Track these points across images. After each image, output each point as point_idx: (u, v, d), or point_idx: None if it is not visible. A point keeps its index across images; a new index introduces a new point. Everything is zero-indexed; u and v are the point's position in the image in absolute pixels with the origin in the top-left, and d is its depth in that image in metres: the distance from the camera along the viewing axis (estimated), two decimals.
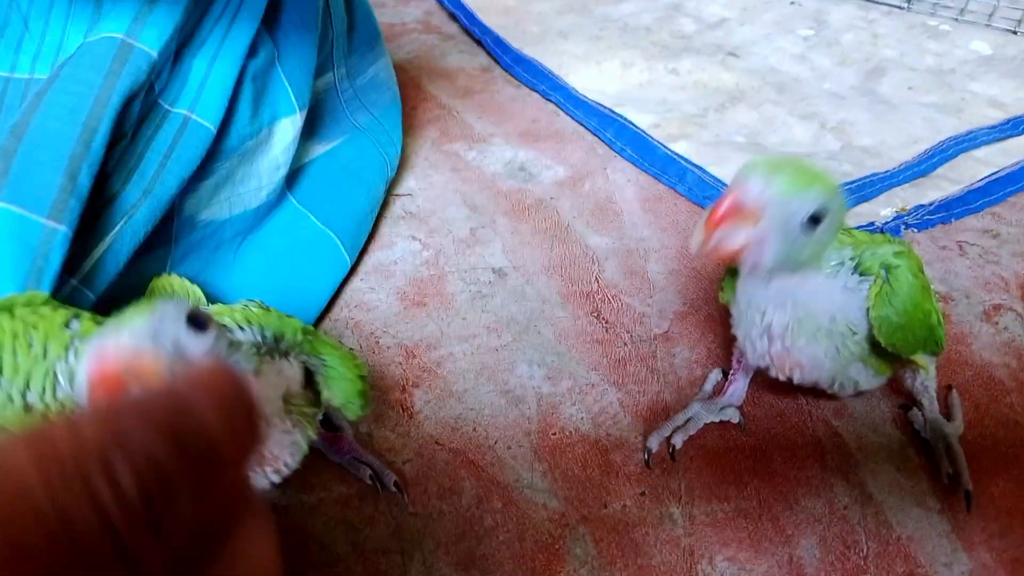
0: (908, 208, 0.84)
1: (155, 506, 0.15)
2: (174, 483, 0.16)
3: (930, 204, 0.84)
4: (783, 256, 0.50)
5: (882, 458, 0.62)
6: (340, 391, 0.50)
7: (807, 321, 0.54)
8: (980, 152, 0.92)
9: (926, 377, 0.61)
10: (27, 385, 0.40)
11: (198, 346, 0.36)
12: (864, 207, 0.84)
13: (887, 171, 0.87)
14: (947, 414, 0.63)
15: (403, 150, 0.92)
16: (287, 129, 0.69)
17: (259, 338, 0.46)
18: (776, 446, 0.63)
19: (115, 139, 0.54)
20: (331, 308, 0.75)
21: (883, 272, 0.53)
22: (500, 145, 0.96)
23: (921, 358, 0.57)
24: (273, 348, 0.46)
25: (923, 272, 0.56)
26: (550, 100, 1.03)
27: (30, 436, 0.15)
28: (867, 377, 0.57)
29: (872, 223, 0.82)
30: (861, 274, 0.53)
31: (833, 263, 0.53)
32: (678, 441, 0.62)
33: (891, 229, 0.81)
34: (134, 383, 0.32)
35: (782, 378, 0.58)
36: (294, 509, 0.59)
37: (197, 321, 0.37)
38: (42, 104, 0.52)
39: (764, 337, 0.56)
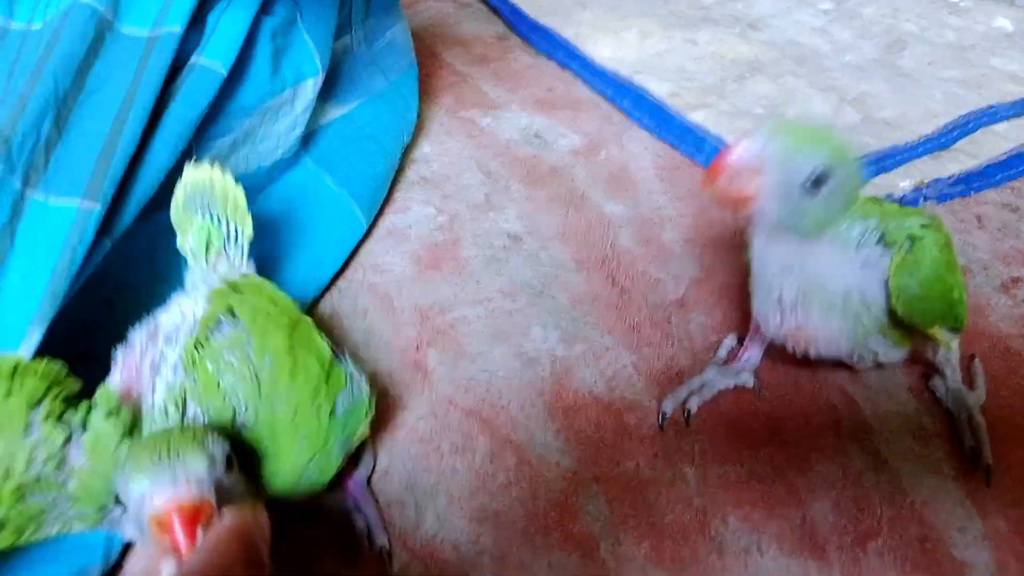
0: (927, 181, 0.83)
1: None
2: None
3: (949, 177, 0.84)
4: (785, 217, 0.50)
5: (897, 425, 0.61)
6: (274, 481, 0.48)
7: (818, 292, 0.53)
8: (1000, 127, 0.91)
9: (948, 349, 0.60)
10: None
11: (228, 480, 0.41)
12: (883, 179, 0.83)
13: (907, 144, 0.87)
14: (969, 383, 0.63)
15: (418, 116, 0.92)
16: (309, 89, 0.69)
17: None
18: (791, 412, 0.62)
19: None
20: (346, 269, 0.75)
21: (907, 242, 0.52)
22: (516, 112, 0.96)
23: (940, 332, 0.56)
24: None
25: (950, 248, 0.55)
26: (567, 68, 1.02)
27: None
28: (886, 349, 0.57)
29: (891, 195, 0.81)
30: (885, 245, 0.53)
31: (855, 233, 0.53)
32: (693, 405, 0.62)
33: (909, 201, 0.80)
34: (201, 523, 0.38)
35: (799, 354, 0.57)
36: None
37: (230, 461, 0.42)
38: (80, 100, 0.53)
39: (777, 312, 0.56)
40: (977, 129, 0.90)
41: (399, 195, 0.84)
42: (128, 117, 0.53)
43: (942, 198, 0.82)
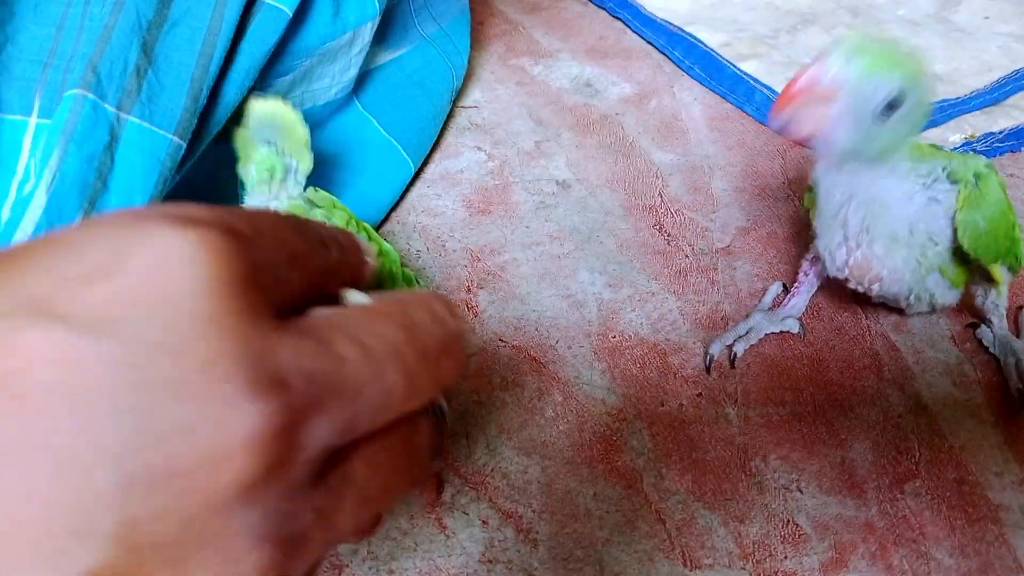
0: (977, 135, 0.83)
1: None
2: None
3: (1000, 132, 0.83)
4: (856, 142, 0.50)
5: (938, 372, 0.62)
6: None
7: (883, 222, 0.54)
8: None
9: (997, 296, 0.62)
10: None
11: None
12: (933, 132, 0.83)
13: (958, 97, 0.86)
14: (1016, 332, 0.64)
15: (470, 63, 0.93)
16: (367, 32, 0.70)
17: None
18: (834, 357, 0.64)
19: None
20: (399, 212, 0.77)
21: (974, 179, 0.54)
22: (566, 61, 0.97)
23: (999, 270, 0.58)
24: None
25: (1005, 189, 0.57)
26: (618, 17, 1.02)
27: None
28: (943, 290, 0.58)
29: (941, 147, 0.81)
30: (952, 181, 0.54)
31: (923, 170, 0.54)
32: (739, 349, 0.64)
33: None
34: None
35: (861, 290, 0.59)
36: None
37: None
38: (164, 31, 0.55)
39: (843, 245, 0.57)
40: None
41: (450, 140, 0.86)
42: (213, 52, 0.55)
43: (992, 152, 0.82)
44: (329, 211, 0.56)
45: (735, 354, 0.63)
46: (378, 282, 0.56)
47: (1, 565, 0.16)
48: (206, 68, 0.55)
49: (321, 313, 0.21)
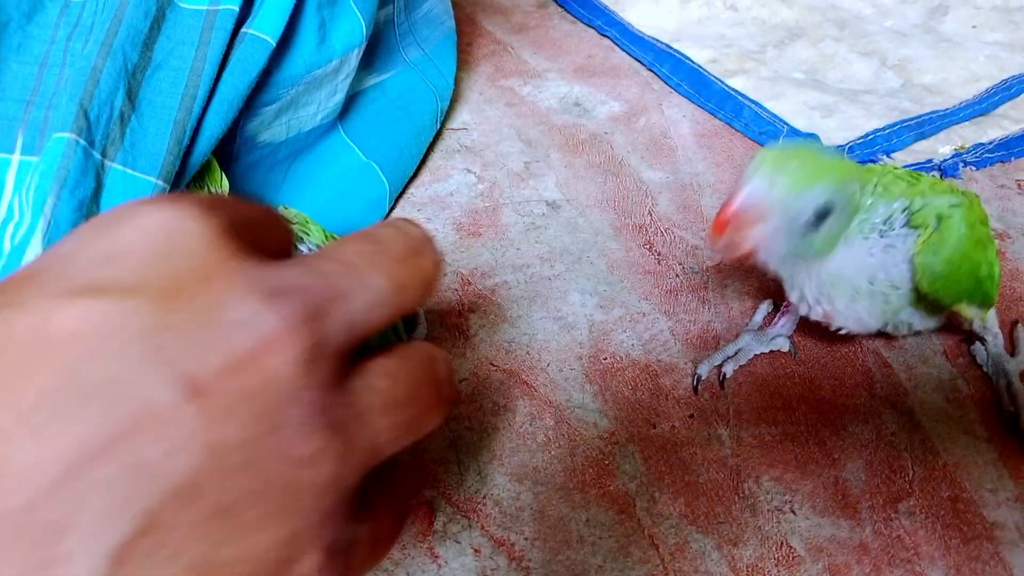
0: (967, 146, 0.83)
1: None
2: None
3: (990, 142, 0.83)
4: (793, 251, 0.51)
5: (931, 388, 0.62)
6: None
7: (841, 286, 0.55)
8: None
9: (983, 321, 0.61)
10: None
11: None
12: (923, 144, 0.83)
13: (947, 108, 0.86)
14: (1011, 349, 0.63)
15: (458, 85, 0.93)
16: (353, 58, 0.71)
17: None
18: (825, 374, 0.64)
19: None
20: None
21: (935, 221, 0.53)
22: (555, 80, 0.97)
23: (966, 309, 0.57)
24: None
25: (985, 224, 0.56)
26: (605, 36, 1.03)
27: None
28: (920, 319, 0.58)
29: (930, 160, 0.81)
30: (911, 227, 0.53)
31: (878, 219, 0.53)
32: (729, 369, 0.63)
33: (949, 167, 0.80)
34: None
35: (836, 329, 0.59)
36: None
37: None
38: (147, 74, 0.55)
39: (805, 304, 0.57)
40: (1020, 93, 0.89)
41: (440, 163, 0.86)
42: (196, 93, 0.55)
43: (982, 163, 0.82)
44: (304, 227, 0.57)
45: (724, 375, 0.63)
46: None
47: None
48: (189, 110, 0.55)
49: (299, 254, 0.24)
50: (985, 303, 0.58)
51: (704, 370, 0.63)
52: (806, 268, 0.55)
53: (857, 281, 0.54)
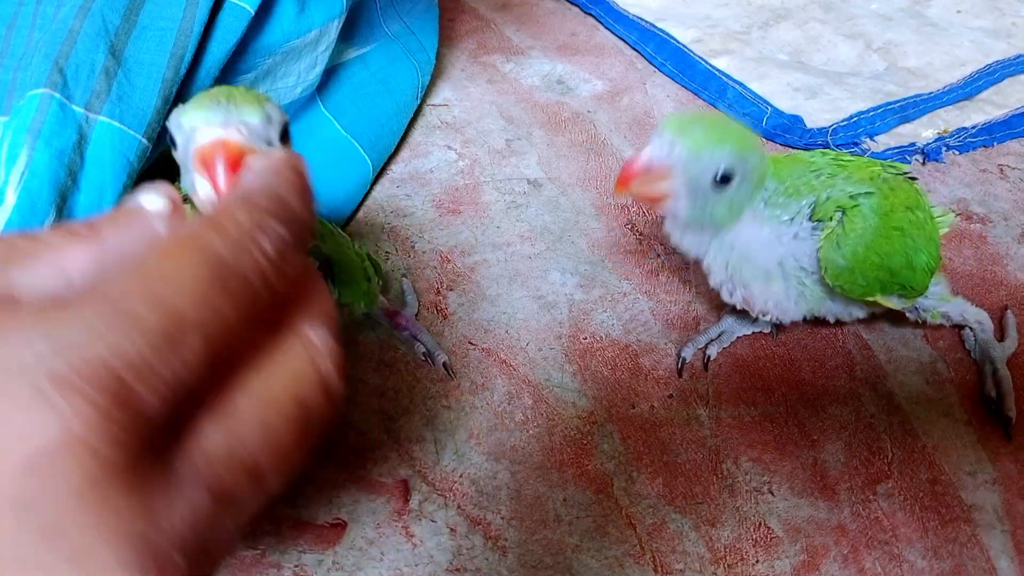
0: (950, 130, 0.83)
1: (284, 262, 0.23)
2: (289, 249, 0.23)
3: (972, 127, 0.83)
4: (698, 213, 0.51)
5: (911, 371, 0.62)
6: (347, 291, 0.55)
7: (748, 266, 0.54)
8: None
9: (926, 313, 0.60)
10: None
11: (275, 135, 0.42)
12: (906, 128, 0.83)
13: (931, 92, 0.86)
14: (1001, 335, 0.63)
15: (440, 61, 0.92)
16: (333, 30, 0.69)
17: None
18: (806, 356, 0.63)
19: None
20: (367, 213, 0.76)
21: (838, 214, 0.52)
22: (538, 58, 0.96)
23: (887, 300, 0.55)
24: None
25: (915, 209, 0.54)
26: (590, 14, 1.01)
27: (207, 223, 0.22)
28: (842, 308, 0.57)
29: (913, 143, 0.81)
30: (817, 221, 0.53)
31: (785, 215, 0.53)
32: (713, 352, 0.63)
33: (932, 150, 0.80)
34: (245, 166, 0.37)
35: (764, 319, 0.59)
36: None
37: (286, 134, 0.42)
38: (133, 36, 0.54)
39: (724, 288, 0.57)
40: (1004, 79, 0.89)
41: (420, 139, 0.85)
42: (184, 54, 0.54)
43: (965, 148, 0.81)
44: None
45: (708, 357, 0.63)
46: (336, 268, 0.55)
47: None
48: (177, 69, 0.54)
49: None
50: (908, 293, 0.56)
51: (688, 353, 0.63)
52: (717, 245, 0.54)
53: (767, 262, 0.54)
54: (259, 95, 0.42)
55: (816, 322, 0.65)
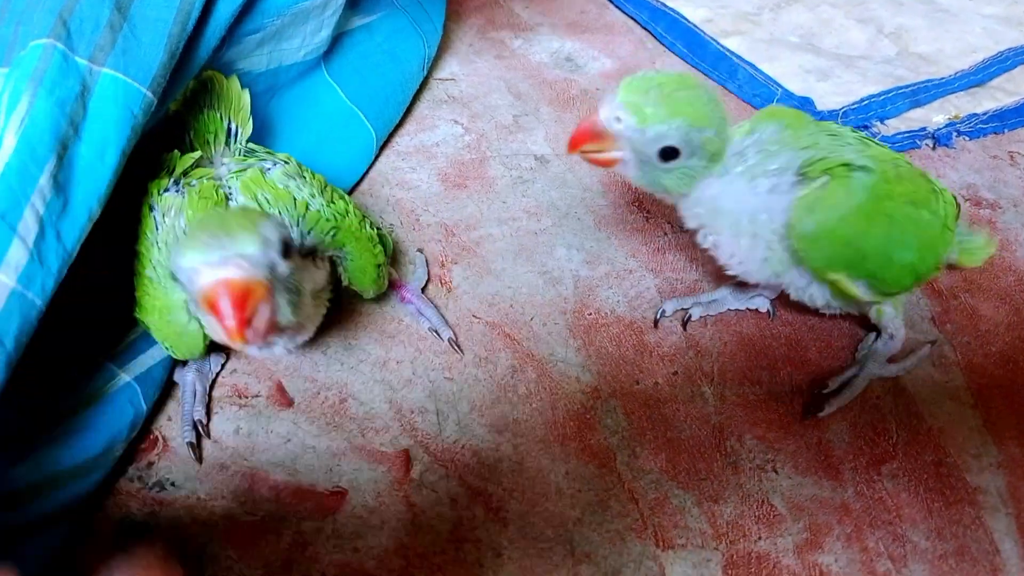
0: (961, 116, 0.82)
1: None
2: None
3: (983, 113, 0.82)
4: (648, 180, 0.51)
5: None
6: (357, 278, 0.56)
7: (721, 217, 0.52)
8: None
9: (879, 315, 0.57)
10: None
11: (284, 268, 0.43)
12: (917, 112, 0.82)
13: (942, 78, 0.85)
14: (901, 359, 0.60)
15: (447, 36, 0.91)
16: None
17: (297, 243, 0.50)
18: (812, 336, 0.63)
19: None
20: (372, 184, 0.75)
21: (825, 178, 0.50)
22: (547, 35, 0.95)
23: (848, 284, 0.52)
24: (308, 251, 0.51)
25: (918, 206, 0.51)
26: None
27: None
28: (814, 291, 0.55)
29: (924, 128, 0.80)
30: (802, 176, 0.50)
31: (772, 166, 0.50)
32: (696, 313, 0.63)
33: (943, 135, 0.79)
34: (251, 302, 0.39)
35: (730, 272, 0.56)
36: (334, 368, 0.60)
37: (287, 248, 0.43)
38: None
39: (699, 233, 0.55)
40: (1016, 66, 0.88)
41: (426, 112, 0.84)
42: (191, 10, 0.53)
43: (975, 134, 0.81)
44: (270, 154, 0.58)
45: (689, 317, 0.63)
46: (349, 258, 0.55)
47: None
48: (184, 25, 0.53)
49: None
50: (880, 287, 0.53)
51: (670, 307, 0.63)
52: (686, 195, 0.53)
53: (737, 215, 0.52)
54: (253, 216, 0.43)
55: None
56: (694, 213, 0.54)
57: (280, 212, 0.52)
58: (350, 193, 0.74)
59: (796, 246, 0.50)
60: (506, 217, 0.73)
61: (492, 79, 0.88)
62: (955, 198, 0.57)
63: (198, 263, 0.39)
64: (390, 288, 0.63)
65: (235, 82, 0.61)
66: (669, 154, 0.48)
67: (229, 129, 0.59)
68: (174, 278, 0.44)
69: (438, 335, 0.62)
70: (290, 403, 0.58)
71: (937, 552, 0.51)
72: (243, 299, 0.38)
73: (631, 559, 0.51)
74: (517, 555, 0.51)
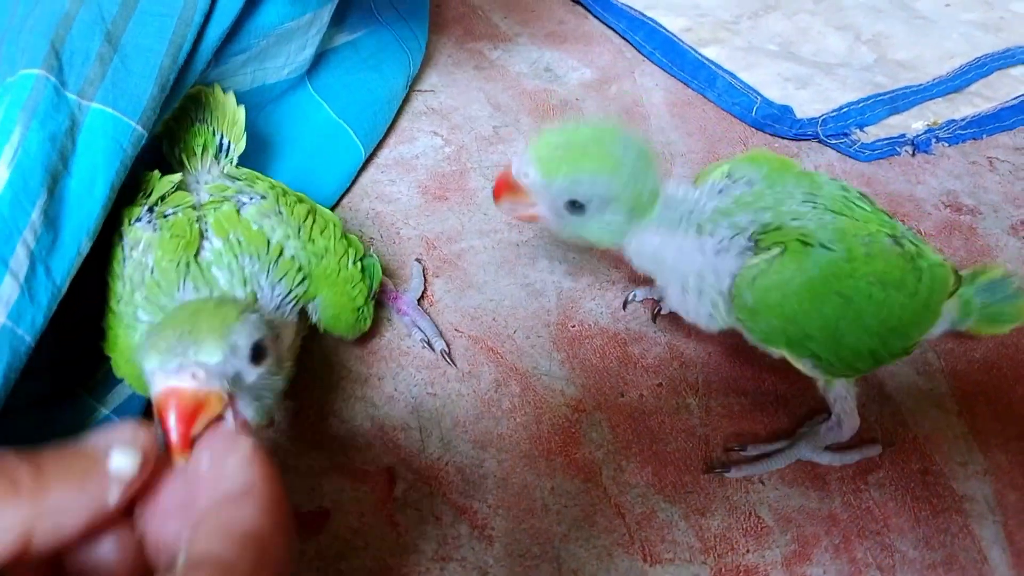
0: (940, 122, 0.82)
1: None
2: None
3: (962, 119, 0.83)
4: (571, 233, 0.50)
5: (901, 361, 0.61)
6: (331, 325, 0.55)
7: (665, 272, 0.51)
8: (1017, 70, 0.90)
9: (829, 386, 0.53)
10: None
11: (253, 374, 0.40)
12: (896, 119, 0.82)
13: (920, 84, 0.85)
14: (841, 448, 0.56)
15: (427, 47, 0.91)
16: (326, 13, 0.68)
17: (268, 296, 0.50)
18: None
19: None
20: (351, 198, 0.75)
21: (779, 249, 0.46)
22: (526, 45, 0.94)
23: (793, 358, 0.50)
24: (279, 307, 0.50)
25: (887, 288, 0.47)
26: (578, 2, 1.00)
27: None
28: (771, 349, 0.51)
29: (903, 135, 0.80)
30: (752, 242, 0.47)
31: (720, 233, 0.48)
32: (667, 308, 0.62)
33: (922, 142, 0.80)
34: (201, 417, 0.36)
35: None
36: (314, 387, 0.59)
37: (258, 353, 0.41)
38: (132, 21, 0.53)
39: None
40: (993, 72, 0.88)
41: (405, 125, 0.83)
42: (183, 42, 0.52)
43: (954, 140, 0.81)
44: (251, 182, 0.55)
45: (659, 310, 0.63)
46: (322, 305, 0.53)
47: None
48: (175, 57, 0.52)
49: None
50: (827, 369, 0.50)
51: (640, 294, 0.63)
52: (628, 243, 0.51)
53: (683, 271, 0.50)
54: (228, 314, 0.40)
55: None
56: (638, 263, 0.53)
57: (251, 258, 0.50)
58: (333, 208, 0.73)
59: (737, 315, 0.48)
60: (487, 229, 0.72)
61: (471, 90, 0.88)
62: (956, 272, 0.53)
63: (155, 365, 0.37)
64: (384, 299, 0.63)
65: (231, 97, 0.59)
66: (577, 207, 0.48)
67: (220, 144, 0.57)
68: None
69: (431, 347, 0.61)
70: (271, 423, 0.57)
71: (925, 561, 0.51)
72: (191, 414, 0.35)
73: (619, 575, 0.50)
74: (503, 573, 0.50)
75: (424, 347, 0.62)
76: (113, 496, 0.24)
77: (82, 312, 0.51)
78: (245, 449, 0.30)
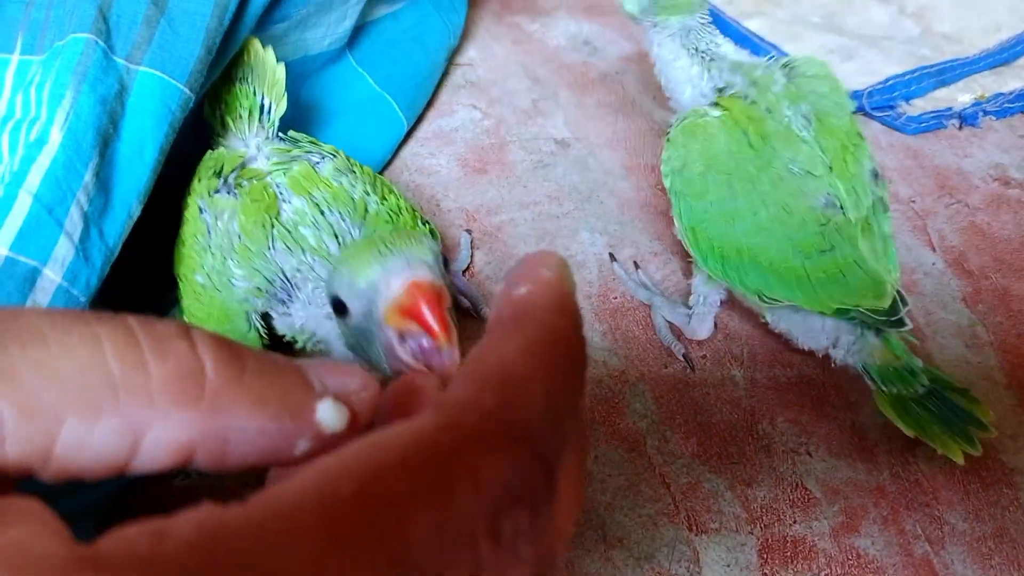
0: (987, 95, 0.81)
1: None
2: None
3: (1010, 92, 0.81)
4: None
5: (950, 334, 0.61)
6: None
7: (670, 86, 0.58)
8: None
9: (695, 276, 0.59)
10: None
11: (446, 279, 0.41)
12: (942, 92, 0.81)
13: (967, 57, 0.84)
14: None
15: (464, 21, 0.90)
16: None
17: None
18: None
19: None
20: (391, 171, 0.75)
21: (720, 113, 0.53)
22: (564, 19, 0.94)
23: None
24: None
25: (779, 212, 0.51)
26: None
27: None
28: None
29: (950, 108, 0.79)
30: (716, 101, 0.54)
31: (715, 79, 0.55)
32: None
33: (969, 115, 0.78)
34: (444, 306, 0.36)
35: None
36: None
37: (445, 261, 0.42)
38: None
39: None
40: None
41: (444, 98, 0.83)
42: (229, 2, 0.52)
43: (1002, 113, 0.80)
44: (313, 143, 0.55)
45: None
46: (397, 209, 0.53)
47: None
48: (221, 19, 0.52)
49: None
50: (707, 265, 0.56)
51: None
52: None
53: (676, 92, 0.58)
54: (411, 232, 0.40)
55: None
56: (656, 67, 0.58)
57: (340, 215, 0.49)
58: None
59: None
60: (527, 202, 0.72)
61: (510, 64, 0.87)
62: (901, 296, 0.53)
63: (380, 273, 0.37)
64: None
65: (271, 53, 0.58)
66: (338, 309, 0.44)
67: (262, 105, 0.56)
68: (336, 308, 0.40)
69: (477, 314, 0.62)
70: None
71: (975, 534, 0.50)
72: (438, 300, 0.35)
73: (664, 544, 0.50)
74: None
75: (471, 314, 0.62)
76: (300, 449, 0.20)
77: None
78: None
